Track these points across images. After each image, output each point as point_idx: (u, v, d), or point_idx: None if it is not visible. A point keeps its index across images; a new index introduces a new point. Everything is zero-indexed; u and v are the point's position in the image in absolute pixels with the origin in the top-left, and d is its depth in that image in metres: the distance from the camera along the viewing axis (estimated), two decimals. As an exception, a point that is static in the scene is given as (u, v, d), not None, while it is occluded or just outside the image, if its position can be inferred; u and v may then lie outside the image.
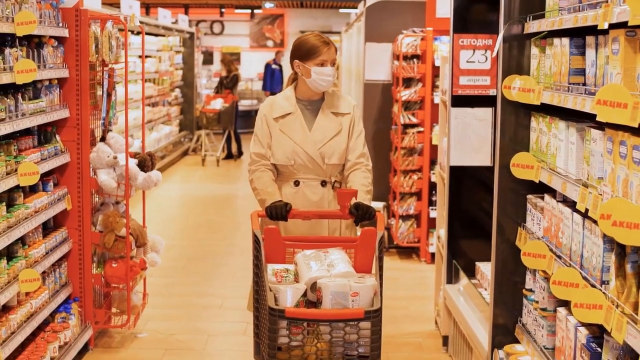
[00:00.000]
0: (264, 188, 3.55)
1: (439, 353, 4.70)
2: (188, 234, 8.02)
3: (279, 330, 2.87)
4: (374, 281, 3.01)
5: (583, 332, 2.65)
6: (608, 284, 2.41)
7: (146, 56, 10.68)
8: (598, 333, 2.60)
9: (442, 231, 4.89)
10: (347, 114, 3.67)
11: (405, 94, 6.81)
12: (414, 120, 6.83)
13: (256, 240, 3.14)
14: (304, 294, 2.99)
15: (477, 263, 4.34)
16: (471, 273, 4.42)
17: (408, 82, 6.89)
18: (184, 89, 14.39)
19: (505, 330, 3.49)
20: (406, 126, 6.89)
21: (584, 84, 2.71)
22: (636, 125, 2.10)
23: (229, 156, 13.34)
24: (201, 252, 7.18)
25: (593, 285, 2.49)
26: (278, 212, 3.37)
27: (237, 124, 13.44)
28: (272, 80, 16.75)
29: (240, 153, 13.43)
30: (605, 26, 2.33)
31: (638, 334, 2.12)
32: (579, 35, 2.76)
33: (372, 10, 7.32)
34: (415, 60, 6.80)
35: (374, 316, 2.86)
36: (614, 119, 2.18)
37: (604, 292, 2.40)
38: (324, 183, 3.65)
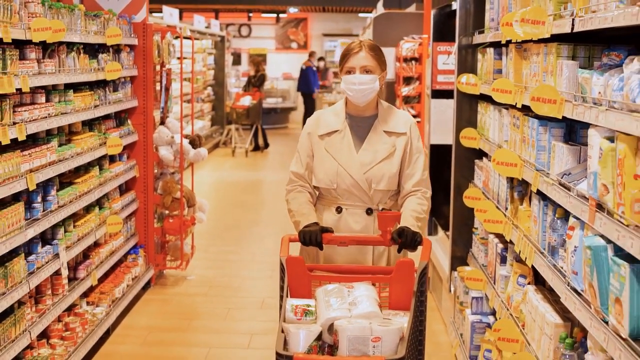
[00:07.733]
0: (299, 209, 3.18)
1: (422, 291, 5.99)
2: (222, 210, 9.37)
3: None
4: (402, 324, 2.62)
5: (500, 245, 3.94)
6: (507, 209, 3.71)
7: (184, 58, 12.02)
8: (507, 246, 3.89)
9: (426, 197, 6.18)
10: (403, 134, 3.25)
11: (405, 90, 8.11)
12: (413, 112, 8.12)
13: (282, 269, 2.81)
14: (319, 337, 2.61)
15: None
16: (447, 228, 5.71)
17: (408, 80, 8.19)
18: (215, 87, 15.74)
19: (460, 260, 4.78)
20: (406, 117, 8.17)
21: (502, 80, 4.00)
22: (514, 104, 3.40)
23: (256, 148, 14.66)
24: (234, 223, 8.53)
25: (500, 210, 3.80)
26: (312, 237, 3.00)
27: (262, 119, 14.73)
28: (304, 81, 17.29)
29: (266, 145, 14.75)
30: (504, 41, 3.63)
31: (515, 234, 3.43)
32: (499, 46, 4.04)
33: (379, 20, 8.64)
34: (413, 62, 8.10)
35: None
36: (504, 101, 3.47)
37: (504, 214, 3.70)
38: (369, 211, 3.23)
